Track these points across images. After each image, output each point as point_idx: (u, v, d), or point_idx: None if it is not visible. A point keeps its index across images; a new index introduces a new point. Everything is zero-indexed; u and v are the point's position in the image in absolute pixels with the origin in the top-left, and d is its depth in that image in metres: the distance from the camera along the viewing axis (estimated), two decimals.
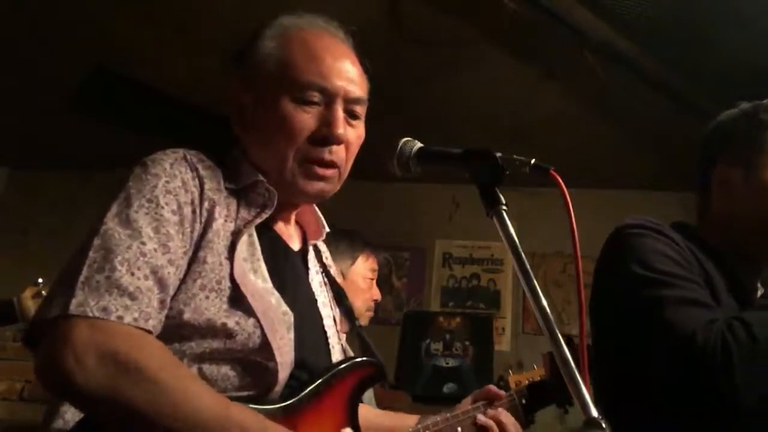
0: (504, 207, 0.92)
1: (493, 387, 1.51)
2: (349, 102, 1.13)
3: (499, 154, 0.96)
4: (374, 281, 2.38)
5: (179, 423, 0.85)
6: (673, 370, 1.16)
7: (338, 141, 1.11)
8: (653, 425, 1.26)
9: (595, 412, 0.72)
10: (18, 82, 3.43)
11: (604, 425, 0.71)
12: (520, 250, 0.87)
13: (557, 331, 0.80)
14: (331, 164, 1.11)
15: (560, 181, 0.90)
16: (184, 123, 3.53)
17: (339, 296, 1.33)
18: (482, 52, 2.93)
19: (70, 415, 0.96)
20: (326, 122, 1.10)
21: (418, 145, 1.07)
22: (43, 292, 2.30)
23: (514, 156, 0.95)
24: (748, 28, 2.57)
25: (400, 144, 1.07)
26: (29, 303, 2.36)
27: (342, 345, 1.27)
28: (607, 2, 2.53)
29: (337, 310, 1.31)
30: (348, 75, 1.13)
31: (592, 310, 1.40)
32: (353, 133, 1.15)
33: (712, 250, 1.36)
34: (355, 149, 1.17)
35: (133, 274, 0.91)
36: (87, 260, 0.91)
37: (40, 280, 2.38)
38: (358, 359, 1.17)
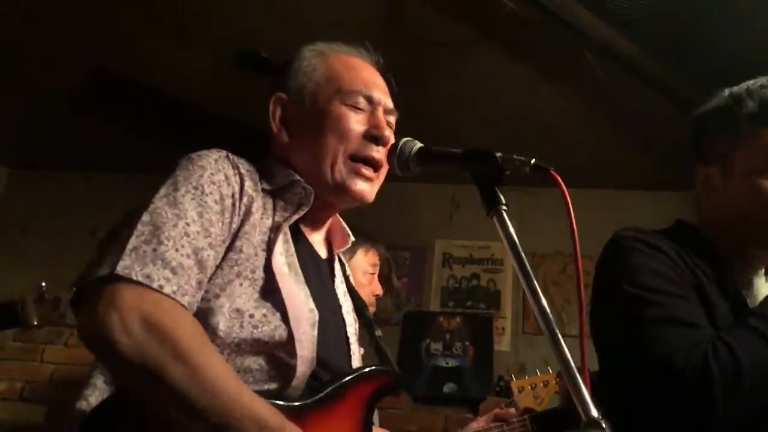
0: (504, 207, 0.92)
1: (500, 411, 1.55)
2: (387, 113, 1.25)
3: (499, 154, 0.96)
4: (375, 276, 2.34)
5: (204, 406, 0.87)
6: (652, 390, 1.14)
7: (385, 141, 1.20)
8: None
9: (595, 412, 0.72)
10: (18, 82, 3.43)
11: (604, 425, 0.71)
12: (520, 250, 0.88)
13: (557, 331, 0.80)
14: (378, 164, 1.20)
15: (560, 181, 0.90)
16: (184, 123, 3.53)
17: (360, 307, 1.36)
18: (482, 52, 2.93)
19: (94, 398, 0.99)
20: (374, 125, 1.20)
21: (418, 145, 1.08)
22: (46, 295, 2.30)
23: (514, 156, 0.96)
24: (748, 28, 2.57)
25: (400, 144, 1.08)
26: (32, 306, 2.36)
27: (361, 354, 1.29)
28: (607, 2, 2.53)
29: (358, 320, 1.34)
30: (383, 88, 1.27)
31: (591, 320, 1.39)
32: (391, 140, 1.22)
33: (711, 249, 1.33)
34: None
35: (177, 250, 0.96)
36: (135, 232, 0.96)
37: (44, 284, 2.37)
38: (379, 367, 1.19)
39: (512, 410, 1.51)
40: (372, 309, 2.31)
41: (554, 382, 1.69)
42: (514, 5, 2.52)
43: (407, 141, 1.08)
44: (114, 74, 3.29)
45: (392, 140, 1.22)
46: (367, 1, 2.71)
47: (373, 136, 1.19)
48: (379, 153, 1.19)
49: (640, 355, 1.16)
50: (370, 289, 2.30)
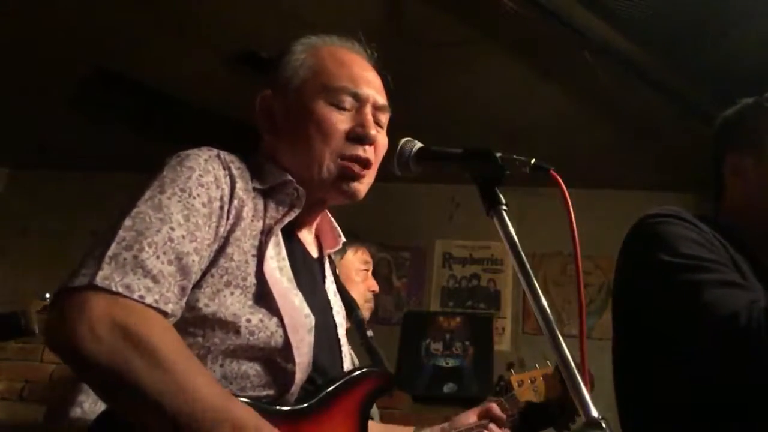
0: (504, 207, 0.92)
1: (494, 407, 1.55)
2: (377, 109, 1.19)
3: (499, 154, 0.97)
4: (369, 272, 2.36)
5: (179, 407, 0.85)
6: (718, 351, 1.16)
7: (371, 141, 1.16)
8: (694, 422, 1.25)
9: (595, 412, 0.72)
10: (18, 82, 3.43)
11: (604, 425, 0.71)
12: (520, 250, 0.88)
13: (557, 331, 0.80)
14: (366, 163, 1.16)
15: (560, 181, 0.90)
16: (184, 123, 3.53)
17: (350, 306, 1.35)
18: (482, 52, 2.93)
19: (88, 405, 0.97)
20: (359, 124, 1.16)
21: (418, 145, 1.08)
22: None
23: (514, 156, 0.96)
24: (747, 28, 2.57)
25: (400, 144, 1.08)
26: (35, 317, 2.38)
27: (351, 354, 1.29)
28: (607, 2, 2.53)
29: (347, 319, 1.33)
30: (374, 84, 1.21)
31: (616, 307, 1.42)
32: (381, 138, 1.20)
33: (734, 236, 1.37)
34: (381, 155, 1.21)
35: (158, 257, 0.94)
36: (116, 237, 0.93)
37: (48, 295, 2.39)
38: (372, 369, 1.18)
39: (496, 407, 1.53)
40: (370, 305, 2.33)
41: (551, 375, 1.71)
42: (514, 5, 2.52)
43: (407, 141, 1.09)
44: (114, 74, 3.29)
45: (381, 141, 1.19)
46: (367, 1, 2.71)
47: (357, 136, 1.14)
48: (365, 152, 1.16)
49: (703, 316, 1.17)
50: (366, 285, 2.32)
